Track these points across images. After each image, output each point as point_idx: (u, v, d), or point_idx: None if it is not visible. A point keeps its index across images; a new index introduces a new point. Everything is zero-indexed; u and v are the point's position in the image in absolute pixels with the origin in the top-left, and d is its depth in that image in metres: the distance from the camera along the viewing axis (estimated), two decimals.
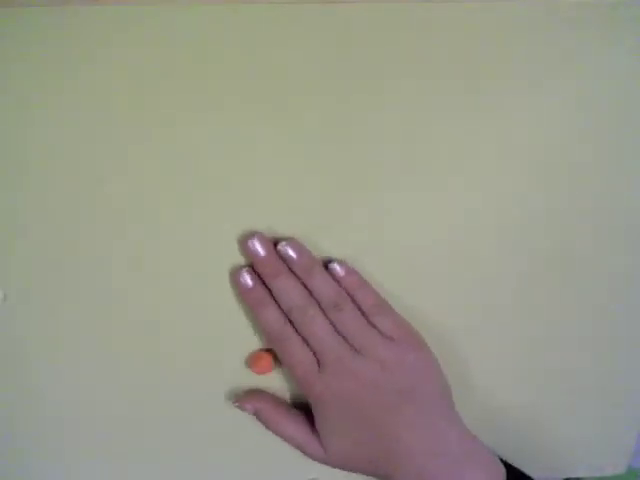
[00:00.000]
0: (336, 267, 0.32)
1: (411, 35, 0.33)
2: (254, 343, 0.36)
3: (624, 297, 0.39)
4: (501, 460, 0.33)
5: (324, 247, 0.34)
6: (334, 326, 0.31)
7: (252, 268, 0.32)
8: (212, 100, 0.32)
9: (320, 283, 0.32)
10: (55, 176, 0.33)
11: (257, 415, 0.34)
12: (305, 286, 0.32)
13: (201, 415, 0.37)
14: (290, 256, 0.32)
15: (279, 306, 0.31)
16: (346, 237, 0.35)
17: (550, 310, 0.38)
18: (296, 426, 0.34)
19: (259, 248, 0.31)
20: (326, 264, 0.33)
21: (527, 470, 0.35)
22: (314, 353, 0.31)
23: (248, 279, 0.32)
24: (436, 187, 0.35)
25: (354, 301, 0.32)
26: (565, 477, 0.37)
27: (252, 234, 0.32)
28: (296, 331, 0.31)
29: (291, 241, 0.32)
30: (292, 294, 0.31)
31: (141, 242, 0.34)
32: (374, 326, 0.32)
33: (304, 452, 0.34)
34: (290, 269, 0.32)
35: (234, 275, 0.33)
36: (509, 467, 0.33)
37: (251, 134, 0.33)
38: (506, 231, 0.36)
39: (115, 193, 0.33)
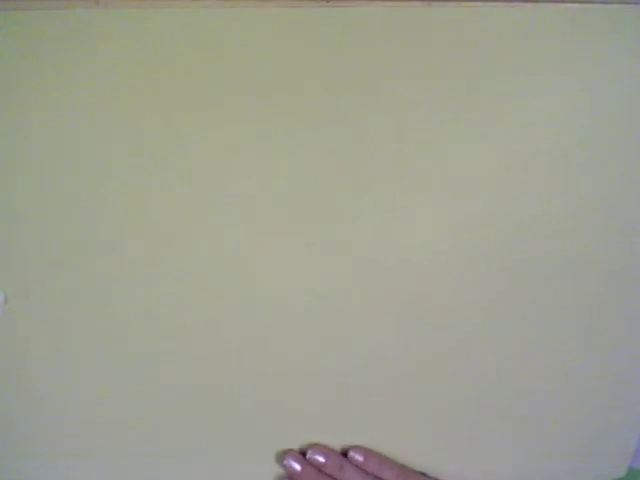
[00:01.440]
0: (355, 455, 0.37)
1: (411, 37, 0.33)
2: (252, 342, 0.36)
3: (624, 299, 0.39)
4: None
5: (324, 244, 0.34)
6: None
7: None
8: (211, 101, 0.32)
9: (350, 475, 0.36)
10: (56, 178, 0.33)
11: None
12: None
13: (204, 416, 0.37)
14: (320, 462, 0.36)
15: None
16: (347, 238, 0.35)
17: (550, 312, 0.38)
18: None
19: (294, 464, 0.36)
20: (344, 452, 0.37)
21: (530, 473, 0.35)
22: None
23: None
24: (437, 188, 0.35)
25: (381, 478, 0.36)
26: None
27: (284, 453, 0.36)
28: None
29: (316, 447, 0.36)
30: None
31: (142, 244, 0.34)
32: None
33: None
34: (322, 471, 0.36)
35: None
36: None
37: (251, 134, 0.33)
38: (506, 232, 0.36)
39: (116, 195, 0.33)
